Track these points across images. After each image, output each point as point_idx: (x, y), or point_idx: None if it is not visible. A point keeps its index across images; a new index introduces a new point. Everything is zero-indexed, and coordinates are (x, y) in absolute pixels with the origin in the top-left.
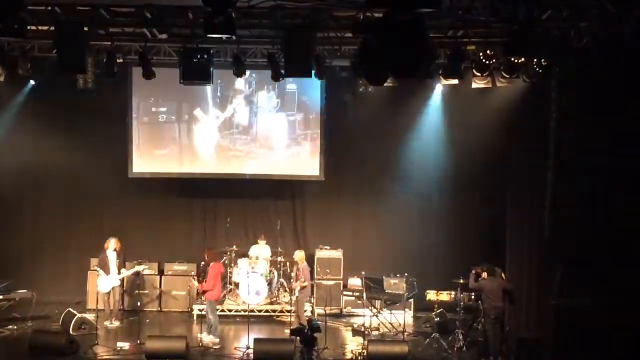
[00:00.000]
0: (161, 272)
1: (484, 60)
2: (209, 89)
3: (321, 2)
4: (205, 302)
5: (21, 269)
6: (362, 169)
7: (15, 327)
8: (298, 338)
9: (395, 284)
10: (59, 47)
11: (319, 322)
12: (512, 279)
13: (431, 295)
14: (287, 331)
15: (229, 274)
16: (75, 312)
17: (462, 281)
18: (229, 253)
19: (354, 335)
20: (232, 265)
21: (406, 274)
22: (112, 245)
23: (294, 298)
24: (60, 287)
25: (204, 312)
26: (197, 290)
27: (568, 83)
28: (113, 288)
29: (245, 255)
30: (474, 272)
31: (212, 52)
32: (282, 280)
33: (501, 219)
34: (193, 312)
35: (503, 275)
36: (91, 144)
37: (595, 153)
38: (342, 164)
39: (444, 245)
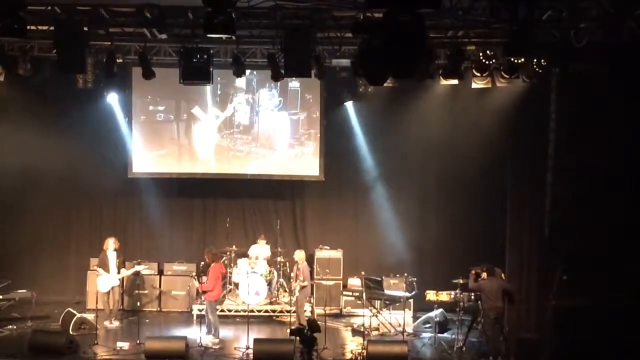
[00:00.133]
0: (160, 272)
1: (483, 61)
2: (208, 87)
3: (321, 2)
4: (204, 302)
5: (21, 269)
6: (361, 169)
7: (15, 327)
8: (297, 338)
9: (394, 284)
10: (58, 47)
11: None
12: (512, 279)
13: (431, 295)
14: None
15: (228, 274)
16: (74, 311)
17: (461, 281)
18: (228, 253)
19: (353, 335)
20: (232, 265)
21: (405, 274)
22: (111, 245)
23: (293, 298)
24: (60, 287)
25: (202, 312)
26: (197, 290)
27: (568, 83)
28: (112, 288)
29: (244, 255)
30: (473, 272)
31: (211, 52)
32: (281, 280)
33: (501, 219)
34: (192, 312)
35: (502, 275)
36: (90, 144)
37: (595, 153)
38: (341, 164)
39: (444, 245)
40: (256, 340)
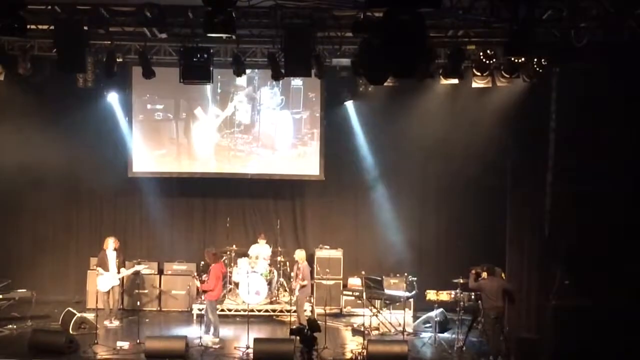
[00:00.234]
0: (160, 272)
1: (483, 60)
2: (208, 85)
3: (321, 1)
4: (204, 302)
5: (21, 268)
6: (361, 169)
7: (15, 326)
8: (298, 338)
9: (394, 284)
10: (58, 46)
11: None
12: (512, 279)
13: (431, 295)
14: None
15: (228, 274)
16: (74, 311)
17: (461, 281)
18: (228, 252)
19: (353, 335)
20: (232, 264)
21: (406, 274)
22: (110, 245)
23: (293, 298)
24: (60, 287)
25: (202, 312)
26: (197, 289)
27: (568, 83)
28: (112, 287)
29: (244, 254)
30: (473, 271)
31: (211, 51)
32: (281, 279)
33: (501, 219)
34: (192, 312)
35: (503, 275)
36: (91, 143)
37: (595, 153)
38: (342, 163)
39: (444, 245)
40: (256, 340)
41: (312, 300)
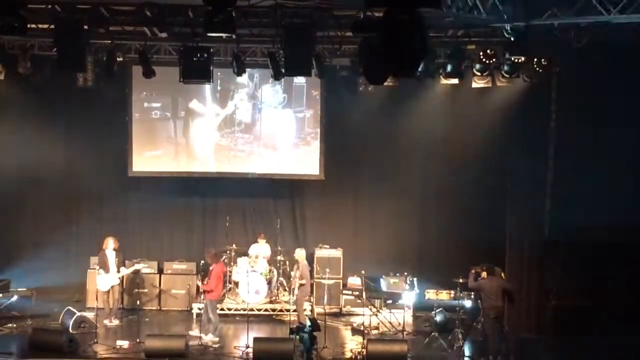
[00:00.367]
0: (160, 271)
1: (484, 60)
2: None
3: (321, 1)
4: (204, 301)
5: (21, 267)
6: (361, 168)
7: (15, 325)
8: (297, 337)
9: (394, 283)
10: (58, 46)
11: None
12: (512, 279)
13: (431, 295)
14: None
15: (228, 273)
16: (74, 310)
17: (461, 280)
18: (228, 252)
19: (353, 334)
20: (232, 264)
21: (405, 273)
22: (110, 245)
23: (293, 297)
24: (60, 286)
25: (201, 311)
26: (197, 289)
27: (568, 83)
28: (112, 286)
29: (244, 254)
30: (473, 271)
31: (212, 50)
32: (281, 279)
33: (501, 219)
34: (192, 311)
35: (502, 274)
36: (91, 143)
37: (595, 153)
38: (341, 163)
39: (444, 244)
40: (256, 339)
41: (311, 300)
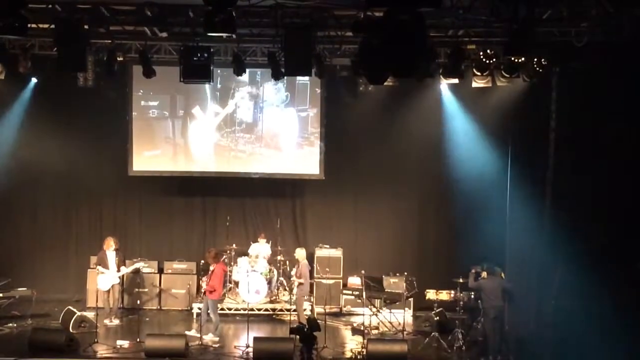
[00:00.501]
0: (160, 270)
1: (484, 60)
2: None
3: (321, 1)
4: (203, 300)
5: (21, 267)
6: (361, 168)
7: (15, 325)
8: (297, 336)
9: (394, 283)
10: (59, 45)
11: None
12: (512, 278)
13: (430, 294)
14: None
15: (228, 273)
16: (74, 310)
17: (461, 280)
18: (228, 251)
19: (353, 334)
20: (232, 263)
21: (406, 273)
22: (111, 245)
23: (293, 297)
24: (60, 285)
25: (199, 311)
26: (201, 289)
27: (568, 82)
28: (112, 286)
29: (245, 253)
30: (473, 271)
31: (212, 50)
32: (281, 278)
33: (501, 218)
34: (192, 311)
35: (502, 274)
36: (91, 142)
37: (594, 152)
38: (341, 162)
39: (444, 244)
40: (256, 339)
41: (312, 300)
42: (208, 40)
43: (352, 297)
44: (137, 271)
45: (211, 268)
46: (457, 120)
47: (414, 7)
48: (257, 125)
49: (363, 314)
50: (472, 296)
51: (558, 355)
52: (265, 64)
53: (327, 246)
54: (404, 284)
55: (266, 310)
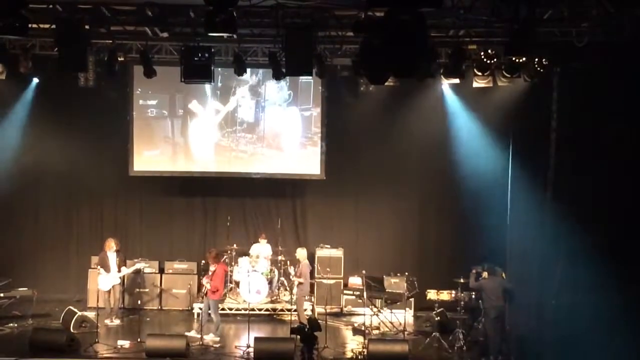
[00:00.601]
0: (161, 270)
1: (484, 60)
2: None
3: (322, 1)
4: (204, 300)
5: (22, 267)
6: (362, 168)
7: (16, 325)
8: (298, 336)
9: (395, 283)
10: (60, 45)
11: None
12: (512, 278)
13: (431, 294)
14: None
15: (229, 273)
16: (75, 310)
17: (462, 280)
18: (229, 251)
19: (354, 334)
20: (233, 263)
21: (406, 273)
22: (112, 246)
23: (293, 297)
24: (61, 285)
25: (200, 311)
26: (202, 289)
27: (569, 83)
28: (113, 286)
29: (245, 253)
30: (474, 271)
31: (213, 50)
32: (282, 278)
33: (502, 218)
34: (193, 311)
35: (503, 274)
36: (92, 142)
37: (595, 152)
38: (342, 162)
39: (444, 244)
40: (257, 339)
41: (312, 300)
42: (209, 41)
43: (353, 297)
44: (138, 271)
45: (212, 268)
46: (458, 120)
47: (415, 7)
48: (259, 125)
49: (364, 314)
50: (473, 296)
51: (559, 354)
52: (266, 64)
53: (328, 246)
54: (405, 284)
55: (267, 310)
